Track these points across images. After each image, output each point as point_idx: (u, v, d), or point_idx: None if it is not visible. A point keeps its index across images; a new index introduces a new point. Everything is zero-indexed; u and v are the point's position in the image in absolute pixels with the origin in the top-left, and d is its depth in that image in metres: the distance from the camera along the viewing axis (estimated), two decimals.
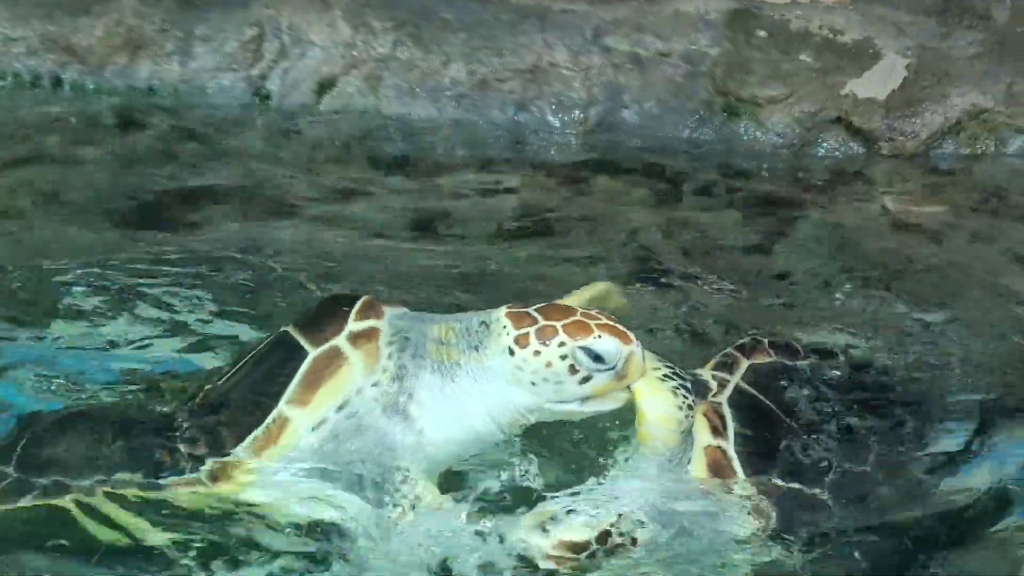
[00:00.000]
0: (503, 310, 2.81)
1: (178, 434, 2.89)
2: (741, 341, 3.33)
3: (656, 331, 4.05)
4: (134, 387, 3.43)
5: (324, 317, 2.96)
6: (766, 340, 3.35)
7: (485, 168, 6.06)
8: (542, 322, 2.75)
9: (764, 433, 3.05)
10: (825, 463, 3.06)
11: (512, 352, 2.75)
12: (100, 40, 6.11)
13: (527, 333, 2.74)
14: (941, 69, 6.48)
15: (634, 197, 5.85)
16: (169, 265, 4.43)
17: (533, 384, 2.76)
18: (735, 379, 3.15)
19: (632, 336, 2.75)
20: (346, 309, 2.94)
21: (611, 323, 2.76)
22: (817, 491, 2.98)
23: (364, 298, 2.98)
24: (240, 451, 2.82)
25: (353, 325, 2.91)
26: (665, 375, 2.87)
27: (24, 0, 6.16)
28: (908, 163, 6.33)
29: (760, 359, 3.25)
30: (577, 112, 6.42)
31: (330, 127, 6.25)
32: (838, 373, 3.41)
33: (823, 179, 6.14)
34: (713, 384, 3.11)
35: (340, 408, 2.84)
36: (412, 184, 5.78)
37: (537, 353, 2.73)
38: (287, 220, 5.11)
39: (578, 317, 2.75)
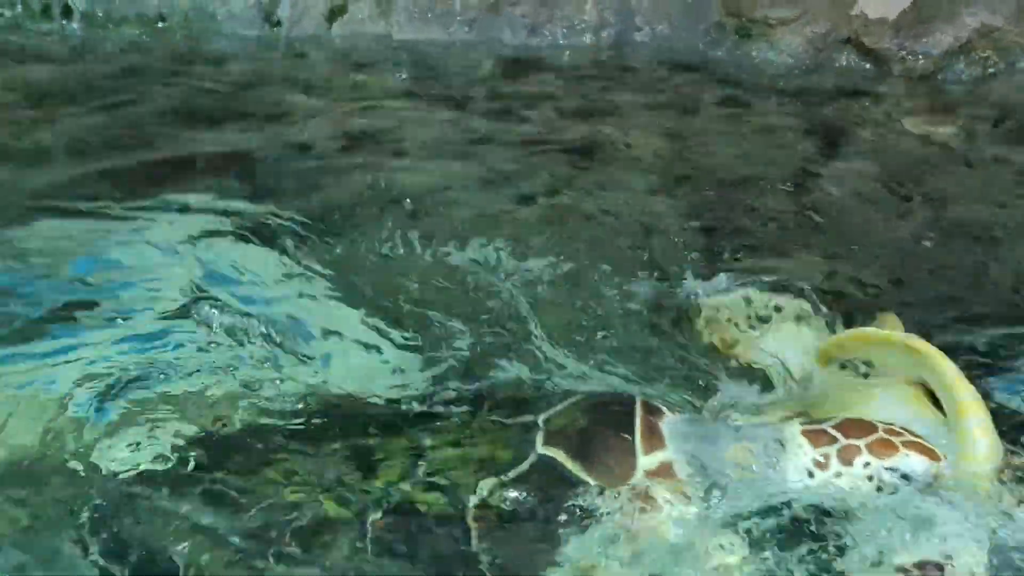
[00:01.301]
0: (797, 427, 2.65)
1: None
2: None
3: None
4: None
5: (604, 448, 2.64)
6: None
7: (499, 92, 6.05)
8: (843, 441, 2.59)
9: None
10: None
11: (812, 475, 2.59)
12: None
13: (827, 453, 2.59)
14: None
15: (649, 122, 5.83)
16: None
17: None
18: None
19: (939, 451, 2.58)
20: (627, 437, 2.65)
21: (916, 439, 2.60)
22: None
23: (640, 418, 2.68)
24: None
25: (645, 461, 2.62)
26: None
27: None
28: (920, 83, 6.34)
29: None
30: (588, 35, 6.42)
31: (342, 52, 6.23)
32: None
33: (837, 100, 6.15)
34: None
35: None
36: (430, 108, 5.76)
37: (839, 475, 2.58)
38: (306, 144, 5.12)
39: (881, 434, 2.59)
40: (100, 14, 6.08)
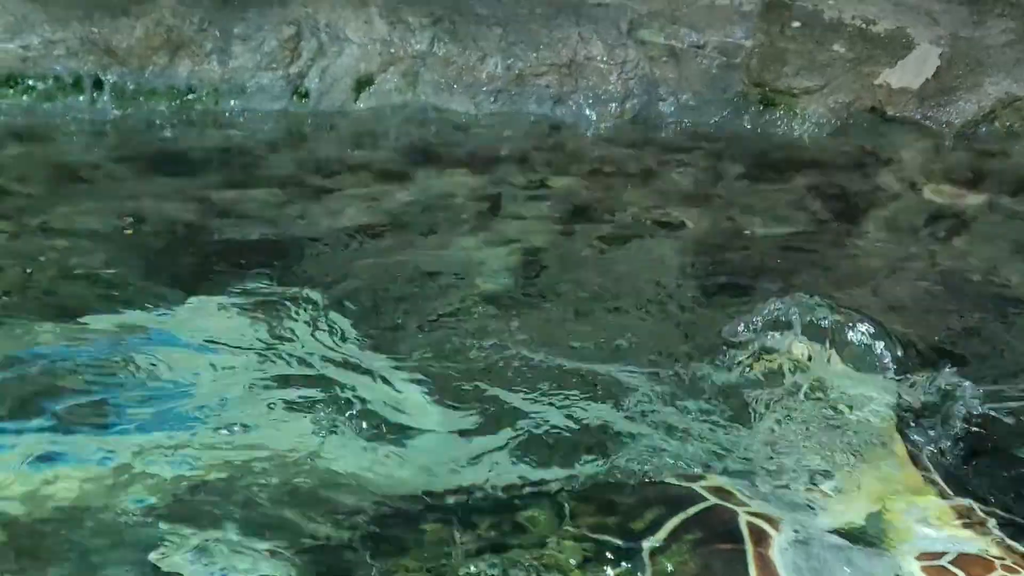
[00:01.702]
0: (916, 564, 2.65)
1: None
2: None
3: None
4: None
5: None
6: None
7: (525, 161, 6.09)
8: None
9: None
10: None
11: None
12: (140, 41, 6.08)
13: None
14: (974, 57, 6.53)
15: (674, 189, 5.89)
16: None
17: None
18: None
19: None
20: None
21: None
22: None
23: (752, 554, 2.62)
24: None
25: None
26: None
27: (62, 2, 6.14)
28: (943, 150, 6.37)
29: None
30: (614, 105, 6.47)
31: (369, 122, 6.29)
32: None
33: (860, 166, 6.19)
34: None
35: None
36: (456, 176, 5.79)
37: None
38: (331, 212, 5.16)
39: (1001, 572, 2.60)
40: (131, 87, 6.12)
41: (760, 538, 2.62)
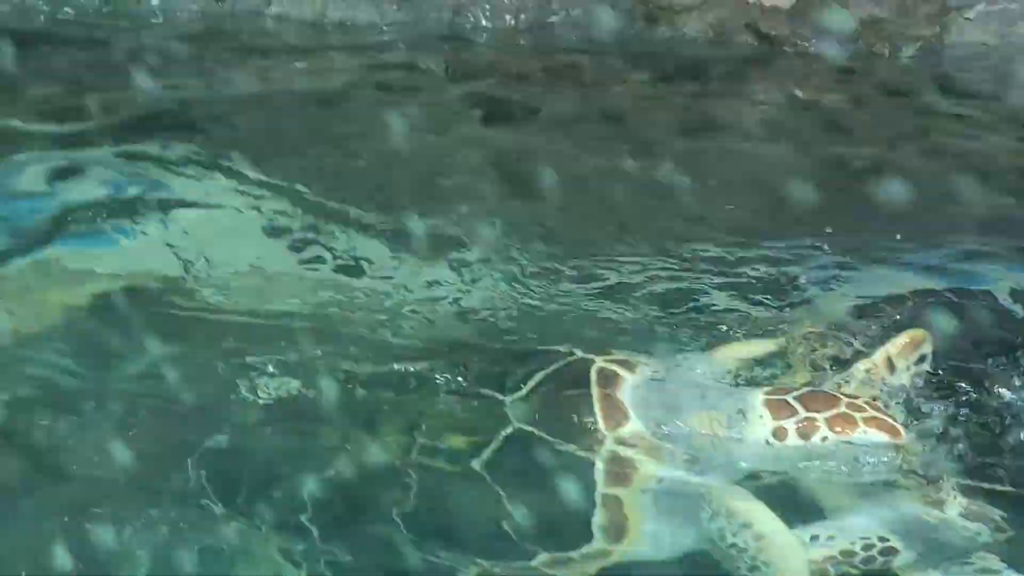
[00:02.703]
0: (760, 397, 2.68)
1: None
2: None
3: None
4: None
5: (572, 427, 2.73)
6: None
7: (422, 66, 6.57)
8: (803, 413, 2.60)
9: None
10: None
11: (769, 444, 2.62)
12: None
13: (785, 426, 2.61)
14: None
15: (562, 94, 6.37)
16: None
17: None
18: None
19: (902, 429, 2.58)
20: (589, 419, 2.72)
21: (879, 416, 2.58)
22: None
23: (595, 394, 2.77)
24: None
25: (612, 437, 2.71)
26: None
27: None
28: (812, 59, 6.93)
29: None
30: (508, 17, 6.97)
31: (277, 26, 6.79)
32: None
33: (736, 75, 6.72)
34: None
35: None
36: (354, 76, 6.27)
37: (797, 448, 2.59)
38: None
39: (843, 409, 2.58)
40: None
41: (608, 381, 2.78)
